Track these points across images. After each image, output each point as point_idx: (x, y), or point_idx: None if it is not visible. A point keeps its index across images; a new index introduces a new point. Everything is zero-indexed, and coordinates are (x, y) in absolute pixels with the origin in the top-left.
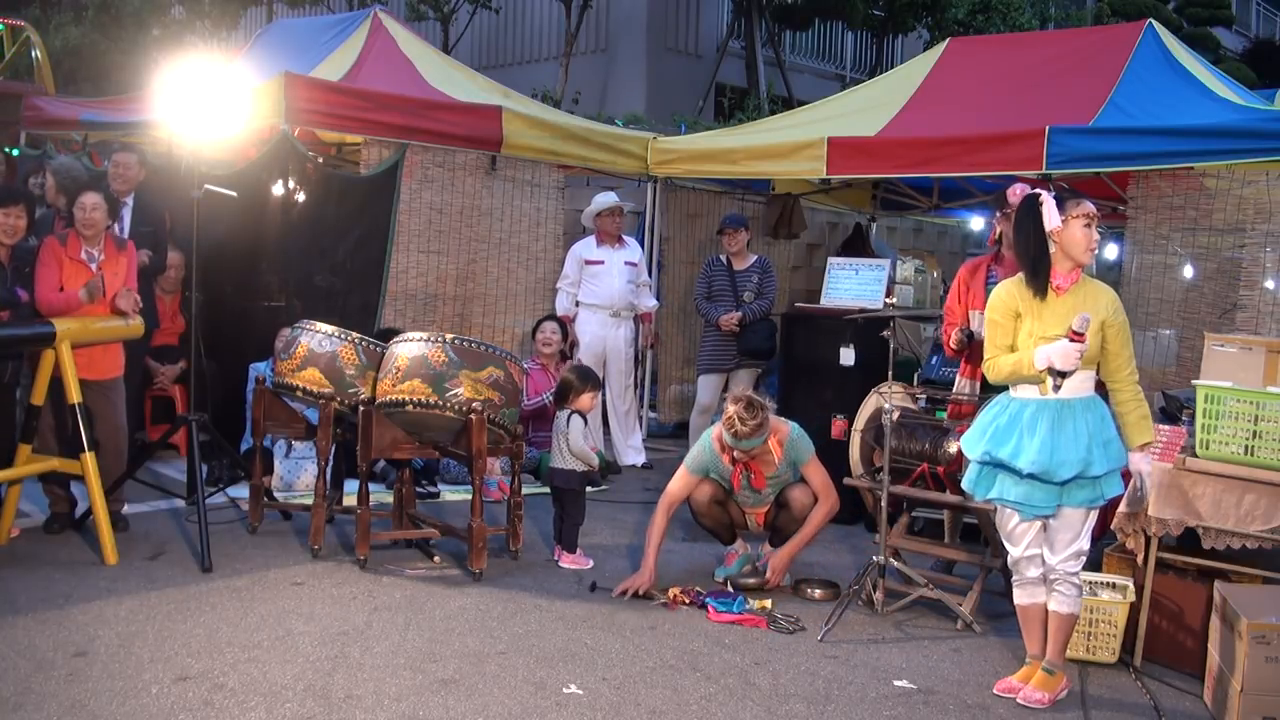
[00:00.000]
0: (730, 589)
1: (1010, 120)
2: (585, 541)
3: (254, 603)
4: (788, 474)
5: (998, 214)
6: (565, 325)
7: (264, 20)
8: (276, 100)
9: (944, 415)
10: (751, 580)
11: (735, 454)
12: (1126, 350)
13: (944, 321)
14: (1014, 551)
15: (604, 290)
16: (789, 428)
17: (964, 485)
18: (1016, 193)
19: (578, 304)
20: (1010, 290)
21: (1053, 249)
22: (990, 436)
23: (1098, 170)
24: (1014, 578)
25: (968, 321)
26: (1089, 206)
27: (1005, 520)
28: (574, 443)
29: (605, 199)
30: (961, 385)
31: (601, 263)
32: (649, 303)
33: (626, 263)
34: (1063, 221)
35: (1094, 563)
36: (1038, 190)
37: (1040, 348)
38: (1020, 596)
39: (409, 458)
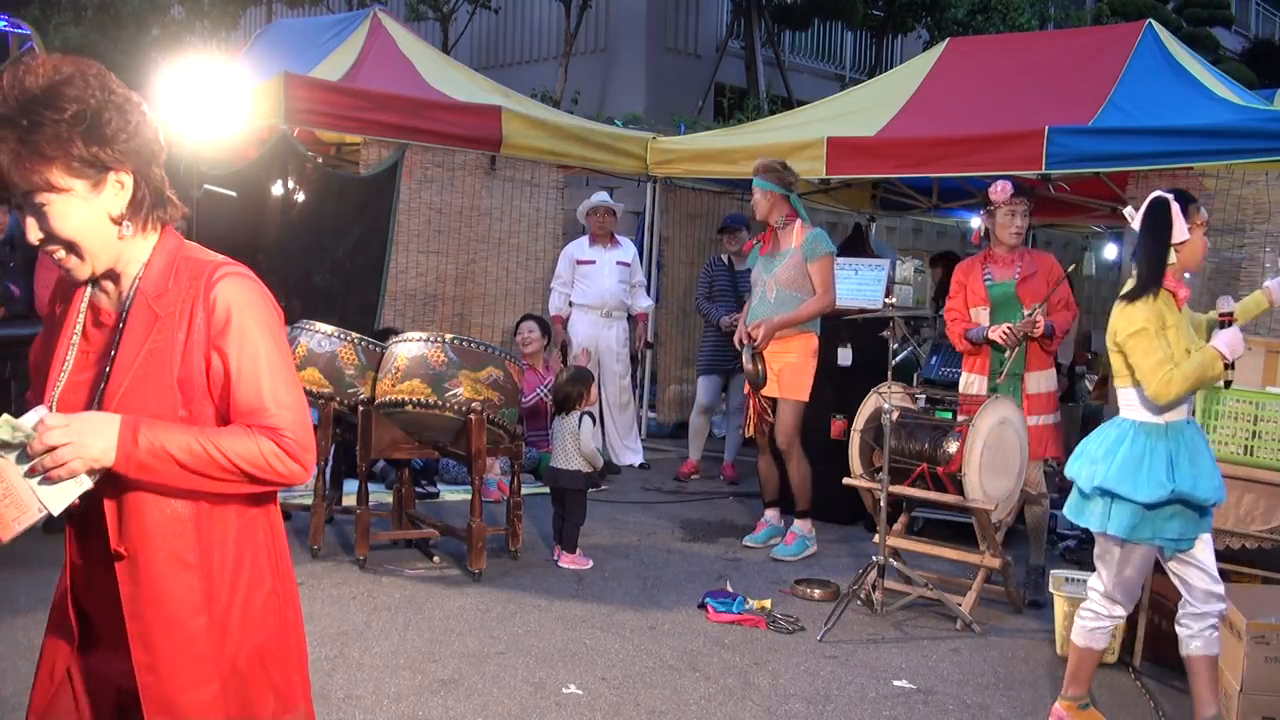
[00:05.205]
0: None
1: (1010, 120)
2: (585, 541)
3: None
4: (799, 258)
5: (982, 211)
6: (547, 324)
7: (263, 20)
8: (276, 100)
9: (950, 415)
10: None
11: (767, 220)
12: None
13: (946, 323)
14: (1123, 587)
15: (595, 290)
16: (819, 227)
17: (1120, 531)
18: (998, 190)
19: (570, 304)
20: (1151, 304)
21: (1171, 259)
22: (1170, 469)
23: (1097, 170)
24: (1101, 617)
25: (970, 319)
26: (1205, 212)
27: (1132, 555)
28: (584, 444)
29: (594, 198)
30: (970, 381)
31: (593, 262)
32: (642, 303)
33: (618, 262)
34: (1189, 231)
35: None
36: (1165, 194)
37: (1216, 343)
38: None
39: (408, 458)
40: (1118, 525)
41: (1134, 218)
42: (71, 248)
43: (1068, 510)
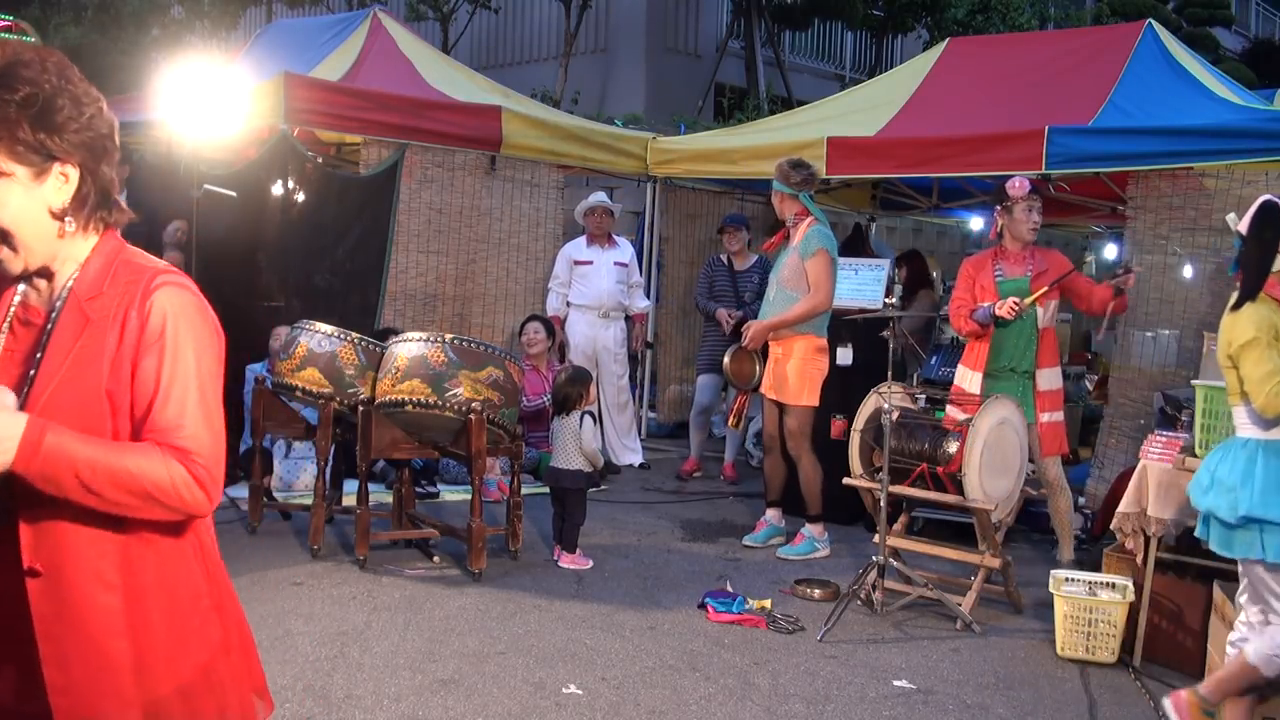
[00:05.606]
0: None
1: (1010, 120)
2: (585, 541)
3: (254, 603)
4: (796, 255)
5: (998, 208)
6: (551, 324)
7: (263, 20)
8: (276, 100)
9: (943, 415)
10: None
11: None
12: None
13: (950, 313)
14: None
15: (593, 290)
16: (818, 225)
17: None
18: (1016, 186)
19: (568, 304)
20: (1262, 311)
21: (1278, 265)
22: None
23: (1097, 170)
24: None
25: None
26: None
27: None
28: (586, 444)
29: (592, 198)
30: (964, 376)
31: (590, 263)
32: (640, 303)
33: (616, 263)
34: None
35: (1094, 563)
36: (1277, 199)
37: None
38: None
39: (408, 458)
40: (1276, 551)
41: (1238, 223)
42: (4, 237)
43: (1214, 543)
